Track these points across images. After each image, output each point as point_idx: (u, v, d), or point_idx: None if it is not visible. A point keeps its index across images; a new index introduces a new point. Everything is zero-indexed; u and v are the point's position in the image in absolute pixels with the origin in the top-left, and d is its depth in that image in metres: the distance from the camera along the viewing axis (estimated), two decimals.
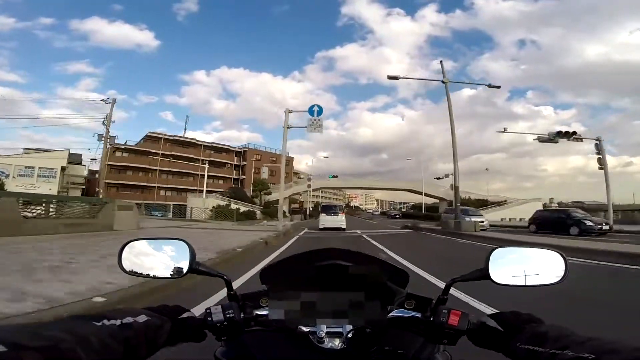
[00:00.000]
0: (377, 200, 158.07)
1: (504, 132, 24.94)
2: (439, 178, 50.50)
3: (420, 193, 53.78)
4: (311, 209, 59.35)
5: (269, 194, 42.60)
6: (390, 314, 0.76)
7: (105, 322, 0.52)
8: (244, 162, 57.73)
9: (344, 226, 17.97)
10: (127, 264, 0.78)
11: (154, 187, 50.91)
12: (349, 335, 0.72)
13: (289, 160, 57.11)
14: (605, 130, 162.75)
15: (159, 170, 50.52)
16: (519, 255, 0.75)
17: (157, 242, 0.80)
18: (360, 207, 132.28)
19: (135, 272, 0.78)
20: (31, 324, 0.46)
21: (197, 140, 56.40)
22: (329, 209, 19.40)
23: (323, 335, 0.72)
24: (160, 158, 50.21)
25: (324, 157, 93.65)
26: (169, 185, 51.54)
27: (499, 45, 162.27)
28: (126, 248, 0.79)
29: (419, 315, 0.75)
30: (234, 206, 34.75)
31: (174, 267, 0.76)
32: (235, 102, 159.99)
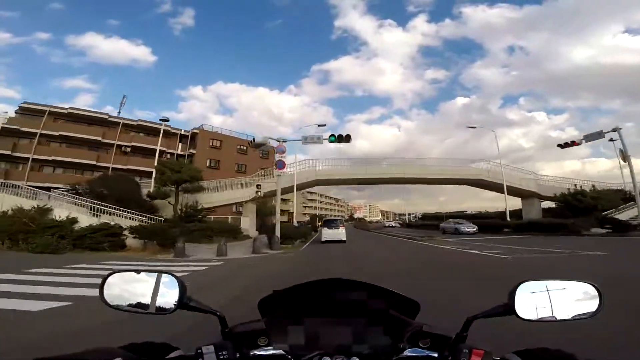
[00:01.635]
0: (381, 211, 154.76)
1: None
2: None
3: (491, 187, 28.63)
4: (306, 222, 47.09)
5: (200, 190, 22.26)
6: (403, 354, 0.68)
7: None
8: (192, 151, 35.24)
9: (344, 238, 19.04)
10: (110, 297, 0.70)
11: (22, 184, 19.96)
12: None
13: (270, 152, 36.60)
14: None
15: (33, 158, 27.97)
16: (547, 288, 0.68)
17: (145, 274, 0.73)
18: (365, 218, 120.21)
19: (120, 307, 0.70)
20: None
21: (112, 117, 33.47)
22: (331, 223, 20.69)
23: None
24: (37, 141, 28.49)
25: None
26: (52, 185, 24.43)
27: (490, 53, 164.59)
28: (109, 279, 0.72)
29: (435, 354, 0.68)
30: (83, 217, 14.43)
31: (162, 302, 0.68)
32: (233, 117, 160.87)
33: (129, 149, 32.31)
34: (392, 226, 59.71)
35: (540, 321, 0.66)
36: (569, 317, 0.66)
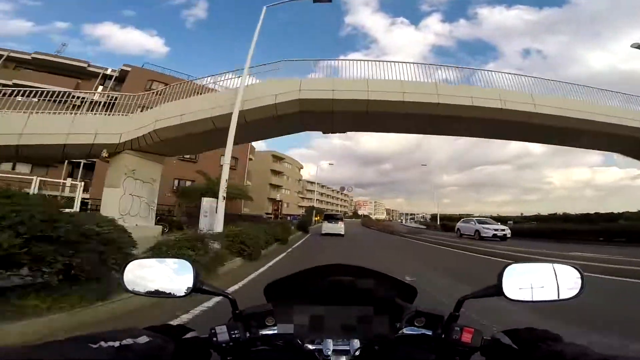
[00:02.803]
0: (386, 209, 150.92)
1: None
2: None
3: None
4: (302, 215, 38.98)
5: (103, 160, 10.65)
6: (400, 332, 0.74)
7: (103, 344, 0.50)
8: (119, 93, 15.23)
9: (342, 233, 20.32)
10: (130, 283, 0.77)
11: None
12: (357, 353, 0.70)
13: None
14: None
15: None
16: (533, 270, 0.73)
17: (161, 260, 0.79)
18: (370, 215, 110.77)
19: (139, 291, 0.77)
20: (23, 346, 0.45)
21: None
22: (331, 218, 22.05)
23: (330, 353, 0.70)
24: None
25: (329, 164, 79.20)
26: None
27: (504, 55, 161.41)
28: (129, 266, 0.78)
29: (429, 332, 0.73)
30: None
31: (178, 286, 0.75)
32: None
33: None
34: (420, 228, 38.28)
35: (525, 302, 0.71)
36: (553, 298, 0.71)
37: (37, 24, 79.05)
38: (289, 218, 34.67)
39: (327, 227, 20.77)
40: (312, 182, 63.11)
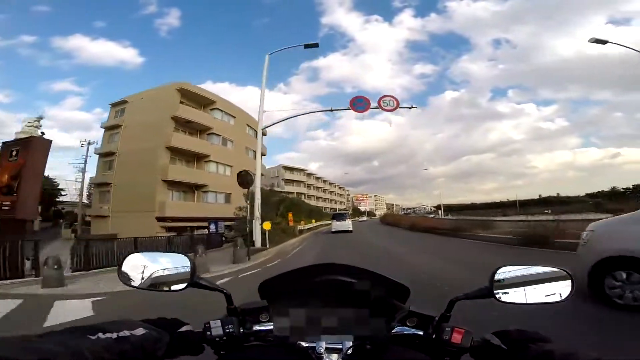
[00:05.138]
0: (387, 204, 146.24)
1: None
2: None
3: None
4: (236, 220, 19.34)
5: None
6: (392, 331, 0.75)
7: (101, 335, 0.51)
8: None
9: (350, 229, 23.16)
10: (127, 276, 0.78)
11: None
12: (349, 352, 0.71)
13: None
14: (588, 124, 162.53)
15: None
16: (523, 273, 0.74)
17: (157, 255, 0.80)
18: (374, 211, 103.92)
19: (136, 285, 0.78)
20: (24, 337, 0.46)
21: None
22: (339, 216, 25.49)
23: (322, 351, 0.71)
24: None
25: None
26: None
27: (476, 46, 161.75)
28: (126, 260, 0.79)
29: (421, 332, 0.74)
30: None
31: (175, 280, 0.76)
32: None
33: None
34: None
35: (515, 304, 0.72)
36: (543, 300, 0.73)
37: (3, 38, 75.89)
38: (211, 227, 20.64)
39: (337, 225, 23.74)
40: (292, 169, 55.39)
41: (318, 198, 69.83)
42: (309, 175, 67.26)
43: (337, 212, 30.30)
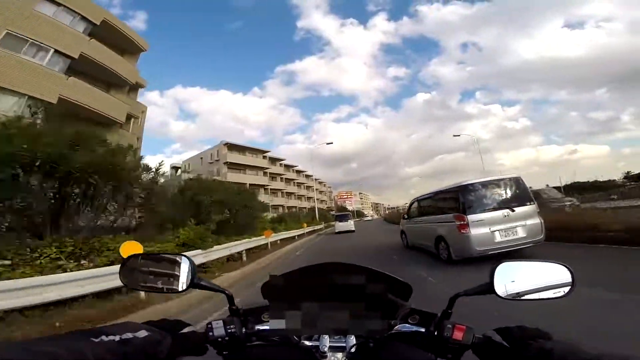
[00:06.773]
0: (372, 204, 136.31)
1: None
2: None
3: None
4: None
5: None
6: (394, 329, 0.75)
7: (104, 337, 0.51)
8: None
9: (353, 229, 23.67)
10: (127, 278, 0.78)
11: None
12: (352, 350, 0.71)
13: None
14: (549, 123, 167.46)
15: None
16: (524, 269, 0.74)
17: (158, 256, 0.80)
18: (363, 212, 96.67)
19: (136, 286, 0.78)
20: (27, 341, 0.46)
21: None
22: (342, 217, 25.77)
23: (326, 349, 0.71)
24: None
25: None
26: None
27: (446, 50, 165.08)
28: (128, 261, 0.79)
29: (422, 330, 0.75)
30: None
31: (175, 282, 0.76)
32: (195, 123, 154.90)
33: None
34: None
35: (516, 300, 0.72)
36: (544, 296, 0.73)
37: None
38: None
39: (339, 225, 24.44)
40: (244, 148, 39.87)
41: (289, 194, 53.14)
42: (273, 160, 48.20)
43: (340, 213, 31.66)
